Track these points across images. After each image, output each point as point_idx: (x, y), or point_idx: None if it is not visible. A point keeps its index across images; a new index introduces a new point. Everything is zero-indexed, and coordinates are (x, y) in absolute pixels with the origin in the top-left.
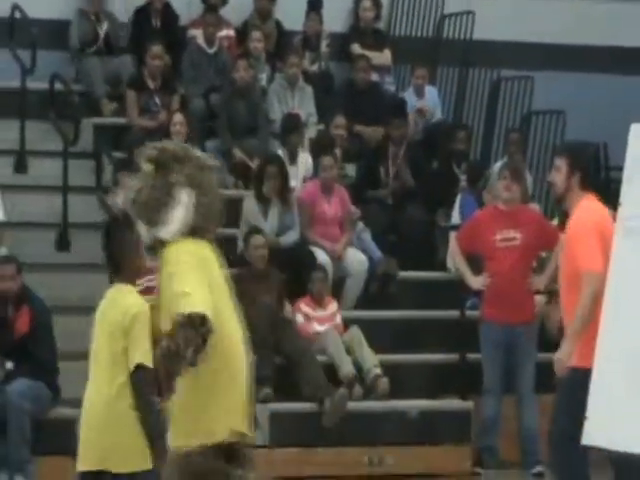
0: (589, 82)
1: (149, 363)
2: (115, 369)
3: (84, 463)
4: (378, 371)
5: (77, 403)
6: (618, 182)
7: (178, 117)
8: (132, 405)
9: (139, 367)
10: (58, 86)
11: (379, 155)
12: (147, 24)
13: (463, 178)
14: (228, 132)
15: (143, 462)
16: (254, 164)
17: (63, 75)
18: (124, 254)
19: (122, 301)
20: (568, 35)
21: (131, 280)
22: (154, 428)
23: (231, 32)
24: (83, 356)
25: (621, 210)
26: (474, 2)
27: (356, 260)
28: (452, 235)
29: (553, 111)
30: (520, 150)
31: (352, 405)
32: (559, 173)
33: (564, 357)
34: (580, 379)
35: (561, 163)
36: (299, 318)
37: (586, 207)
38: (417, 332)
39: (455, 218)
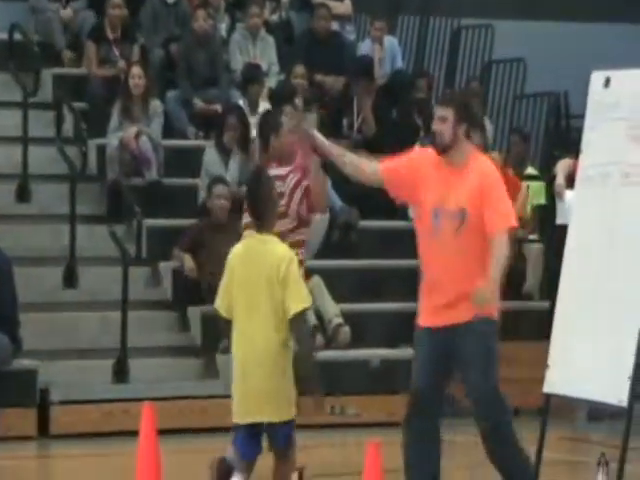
0: (550, 30)
1: (308, 304)
2: (277, 318)
3: (246, 415)
4: (339, 320)
5: (38, 354)
6: (579, 131)
7: (136, 69)
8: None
9: (299, 314)
10: (17, 37)
11: (342, 105)
12: None
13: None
14: (188, 82)
15: (292, 411)
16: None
17: (22, 26)
18: (267, 207)
19: (274, 251)
20: None
21: (271, 230)
22: (312, 371)
23: None
24: (43, 307)
25: (582, 158)
26: None
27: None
28: None
29: (513, 59)
30: (480, 99)
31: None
32: (445, 123)
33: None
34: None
35: (447, 113)
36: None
37: (483, 158)
38: (378, 281)
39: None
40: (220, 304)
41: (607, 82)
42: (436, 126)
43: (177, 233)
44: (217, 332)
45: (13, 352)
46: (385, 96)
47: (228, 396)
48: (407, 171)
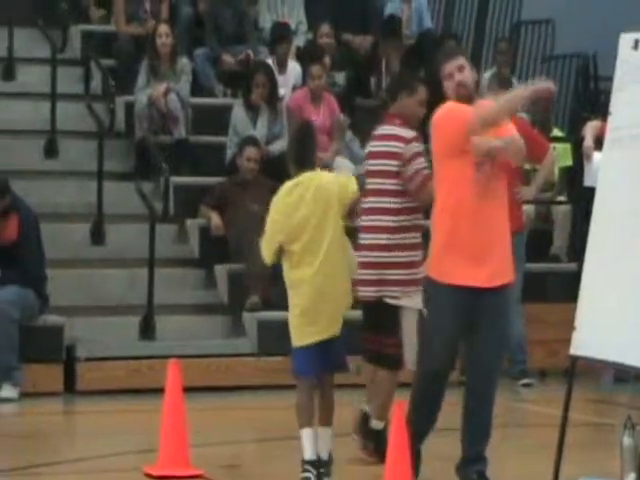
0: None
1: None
2: (343, 240)
3: (320, 334)
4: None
5: (65, 311)
6: (607, 93)
7: (163, 28)
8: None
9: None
10: None
11: (370, 65)
12: None
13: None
14: (216, 39)
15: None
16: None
17: None
18: (314, 150)
19: (332, 180)
20: None
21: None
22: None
23: None
24: (70, 264)
25: (610, 120)
26: None
27: (345, 168)
28: None
29: (542, 20)
30: (509, 60)
31: None
32: (464, 71)
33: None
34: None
35: (462, 62)
36: None
37: None
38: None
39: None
40: None
41: (636, 44)
42: (459, 76)
43: (204, 191)
44: (244, 290)
45: (40, 308)
46: (413, 56)
47: (254, 354)
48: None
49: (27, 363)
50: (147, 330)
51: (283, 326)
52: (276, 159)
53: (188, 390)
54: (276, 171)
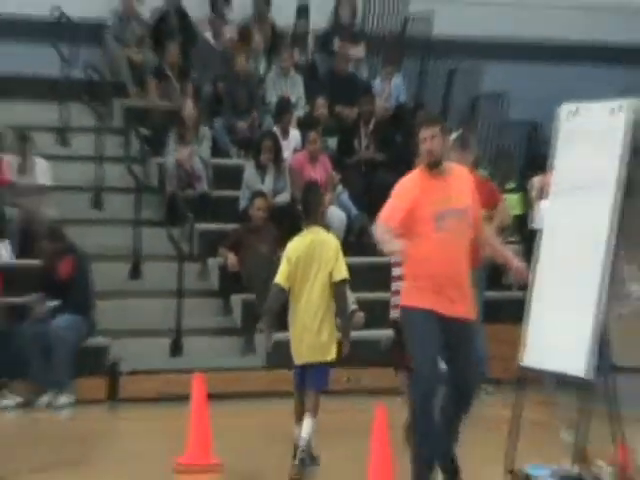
0: (528, 71)
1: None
2: (327, 288)
3: (303, 358)
4: (355, 307)
5: (110, 334)
6: (551, 152)
7: (189, 102)
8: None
9: (344, 280)
10: (93, 75)
11: (354, 130)
12: (166, 24)
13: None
14: (231, 112)
15: (333, 354)
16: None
17: (97, 65)
18: (319, 207)
19: (328, 240)
20: (512, 33)
21: (321, 224)
22: (349, 323)
23: (234, 31)
24: (114, 295)
25: (553, 175)
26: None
27: (336, 216)
28: None
29: (498, 93)
30: (470, 126)
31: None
32: (435, 140)
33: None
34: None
35: (435, 132)
36: None
37: (459, 168)
38: (387, 275)
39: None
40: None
41: (575, 112)
42: (428, 145)
43: (222, 235)
44: (255, 316)
45: (88, 332)
46: (391, 124)
47: (264, 368)
48: (410, 205)
49: (79, 377)
50: (176, 349)
51: (287, 345)
52: (281, 209)
53: (210, 397)
54: (281, 219)
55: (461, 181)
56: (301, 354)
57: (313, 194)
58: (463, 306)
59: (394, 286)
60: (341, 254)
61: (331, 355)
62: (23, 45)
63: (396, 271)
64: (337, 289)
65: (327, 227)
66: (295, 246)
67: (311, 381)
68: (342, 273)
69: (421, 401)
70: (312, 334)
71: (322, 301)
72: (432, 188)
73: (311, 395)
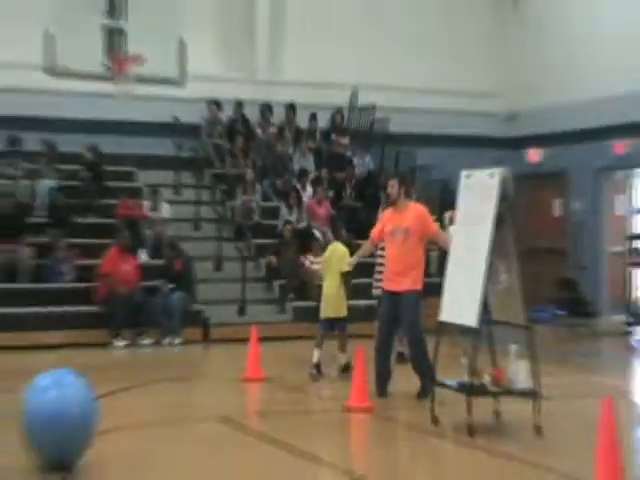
0: (444, 152)
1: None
2: (338, 275)
3: (328, 314)
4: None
5: (203, 302)
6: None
7: (249, 171)
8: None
9: (346, 272)
10: (193, 154)
11: (342, 186)
12: (235, 125)
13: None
14: (273, 176)
15: (345, 313)
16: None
17: (196, 149)
18: (339, 231)
19: (340, 248)
20: (432, 130)
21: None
22: (349, 296)
23: (275, 129)
24: (206, 280)
25: (457, 211)
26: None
27: (331, 236)
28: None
29: (424, 165)
30: (412, 181)
31: None
32: (393, 188)
33: None
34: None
35: (394, 182)
36: (306, 262)
37: (414, 205)
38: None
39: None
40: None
41: (469, 175)
42: (389, 190)
43: (268, 246)
44: (286, 291)
45: (191, 302)
46: (365, 183)
47: (291, 322)
48: (381, 226)
49: (186, 327)
50: (242, 311)
51: (305, 308)
52: (300, 231)
53: (260, 340)
54: (301, 237)
55: (410, 213)
56: (327, 312)
57: (335, 225)
58: (404, 285)
59: (376, 272)
60: (347, 256)
61: (343, 313)
62: (150, 137)
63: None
64: (342, 276)
65: (348, 242)
66: (327, 251)
67: (338, 328)
68: (344, 267)
69: (377, 346)
70: (332, 300)
71: (337, 282)
72: (392, 217)
73: (339, 337)
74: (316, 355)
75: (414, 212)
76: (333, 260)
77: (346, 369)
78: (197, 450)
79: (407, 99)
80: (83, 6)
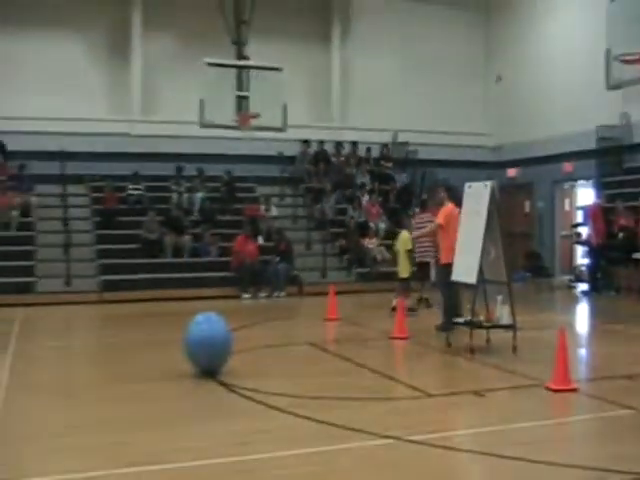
0: (455, 171)
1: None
2: (404, 251)
3: (402, 275)
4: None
5: (299, 270)
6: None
7: (327, 186)
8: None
9: (410, 250)
10: (283, 173)
11: (388, 195)
12: (318, 156)
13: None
14: (342, 188)
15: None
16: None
17: (293, 172)
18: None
19: (405, 234)
20: (448, 156)
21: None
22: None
23: (344, 158)
24: (300, 255)
25: (462, 210)
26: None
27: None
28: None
29: (442, 180)
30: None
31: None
32: (440, 194)
33: None
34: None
35: (442, 189)
36: (364, 243)
37: (449, 207)
38: None
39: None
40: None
41: (470, 186)
42: (441, 194)
43: (340, 234)
44: (351, 263)
45: (291, 269)
46: (403, 192)
47: (355, 282)
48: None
49: (287, 286)
50: (323, 275)
51: (364, 273)
52: (360, 224)
53: (336, 293)
54: (360, 227)
55: (441, 209)
56: (401, 274)
57: (401, 220)
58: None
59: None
60: (409, 239)
61: (405, 275)
62: (264, 164)
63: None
64: (407, 253)
65: (409, 230)
66: (399, 236)
67: (398, 286)
68: (408, 246)
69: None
70: (400, 268)
71: (405, 254)
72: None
73: (398, 289)
74: (408, 301)
75: (443, 209)
76: (401, 242)
77: (394, 309)
78: (296, 362)
79: (429, 137)
80: (222, 82)
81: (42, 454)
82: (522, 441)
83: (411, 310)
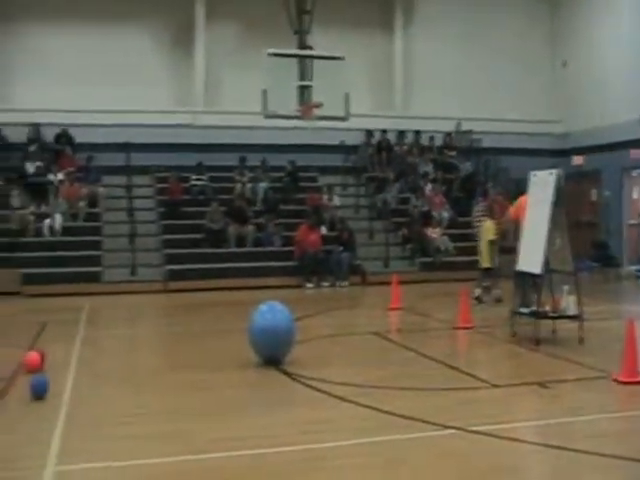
0: (520, 159)
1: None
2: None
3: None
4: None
5: (361, 259)
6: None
7: (389, 173)
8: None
9: (492, 240)
10: (354, 165)
11: (451, 184)
12: (380, 145)
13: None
14: (406, 177)
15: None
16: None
17: (357, 161)
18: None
19: (489, 224)
20: (517, 143)
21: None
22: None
23: (406, 147)
24: (362, 245)
25: (527, 199)
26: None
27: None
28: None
29: (507, 168)
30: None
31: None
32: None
33: None
34: None
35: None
36: (427, 232)
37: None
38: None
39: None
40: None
41: (535, 175)
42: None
43: (403, 223)
44: (414, 252)
45: (354, 258)
46: (466, 181)
47: (419, 271)
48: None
49: (351, 275)
50: (386, 265)
51: (427, 263)
52: (423, 213)
53: (399, 282)
54: (423, 217)
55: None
56: (483, 263)
57: (490, 210)
58: None
59: None
60: (492, 229)
61: (486, 265)
62: (326, 154)
63: None
64: (489, 242)
65: (498, 220)
66: (483, 225)
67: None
68: (490, 237)
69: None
70: (482, 258)
71: (487, 244)
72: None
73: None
74: (477, 291)
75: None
76: (483, 231)
77: (478, 299)
78: (359, 351)
79: (493, 125)
80: (284, 72)
81: (110, 440)
82: (588, 434)
83: (477, 300)
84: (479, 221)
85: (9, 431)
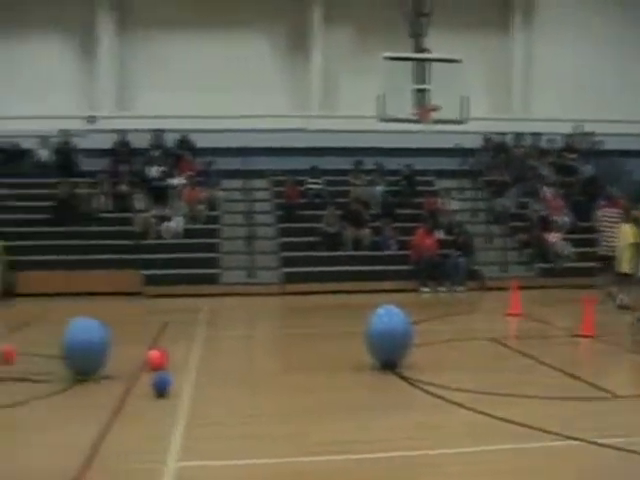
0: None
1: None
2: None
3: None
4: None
5: (481, 264)
6: None
7: (507, 179)
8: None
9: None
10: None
11: (571, 187)
12: (499, 147)
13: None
14: (524, 181)
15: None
16: None
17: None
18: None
19: (626, 227)
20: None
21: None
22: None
23: (525, 149)
24: (480, 249)
25: None
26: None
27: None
28: None
29: (630, 171)
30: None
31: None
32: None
33: None
34: None
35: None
36: (548, 238)
37: None
38: None
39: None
40: None
41: None
42: None
43: (521, 228)
44: (532, 257)
45: (470, 262)
46: (587, 184)
47: (537, 276)
48: None
49: (468, 280)
50: (504, 269)
51: (546, 269)
52: (542, 217)
53: (518, 288)
54: (542, 221)
55: None
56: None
57: (627, 213)
58: None
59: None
60: (632, 234)
61: (624, 270)
62: (443, 157)
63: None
64: (629, 247)
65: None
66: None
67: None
68: (629, 240)
69: None
70: (620, 262)
71: (627, 248)
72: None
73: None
74: (622, 298)
75: None
76: (621, 236)
77: (624, 308)
78: (476, 357)
79: (616, 127)
80: (401, 76)
81: (227, 440)
82: None
83: (623, 307)
84: (610, 227)
85: (133, 426)
